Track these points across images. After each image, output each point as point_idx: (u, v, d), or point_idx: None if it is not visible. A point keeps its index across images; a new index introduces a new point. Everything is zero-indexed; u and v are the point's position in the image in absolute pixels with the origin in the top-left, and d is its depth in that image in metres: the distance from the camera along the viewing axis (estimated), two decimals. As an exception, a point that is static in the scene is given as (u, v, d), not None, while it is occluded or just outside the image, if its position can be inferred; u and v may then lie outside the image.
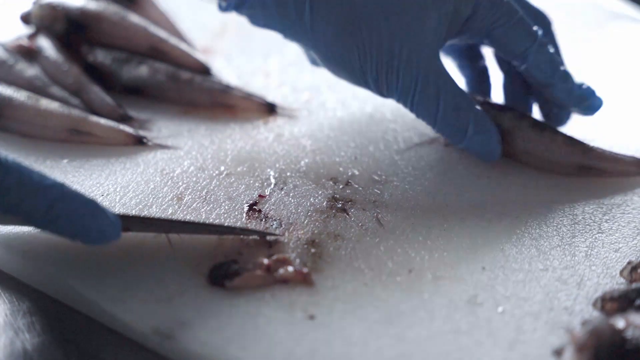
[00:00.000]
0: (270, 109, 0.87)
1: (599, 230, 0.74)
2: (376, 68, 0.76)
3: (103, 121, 0.82)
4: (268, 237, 0.71)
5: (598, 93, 0.80)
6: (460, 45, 0.85)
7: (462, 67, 0.87)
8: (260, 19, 0.79)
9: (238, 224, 0.73)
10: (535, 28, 0.78)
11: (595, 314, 0.66)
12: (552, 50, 0.79)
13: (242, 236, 0.71)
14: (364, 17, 0.75)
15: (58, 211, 0.63)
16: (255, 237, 0.71)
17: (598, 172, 0.80)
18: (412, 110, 0.77)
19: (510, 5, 0.77)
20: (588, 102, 0.80)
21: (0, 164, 0.62)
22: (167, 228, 0.70)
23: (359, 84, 0.79)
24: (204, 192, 0.76)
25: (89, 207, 0.64)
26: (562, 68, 0.79)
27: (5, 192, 0.62)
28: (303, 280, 0.68)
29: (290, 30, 0.78)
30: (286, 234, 0.72)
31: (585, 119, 0.83)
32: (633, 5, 1.14)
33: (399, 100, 0.78)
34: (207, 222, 0.73)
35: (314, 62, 0.84)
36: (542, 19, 0.82)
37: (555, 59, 0.79)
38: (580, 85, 0.80)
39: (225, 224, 0.73)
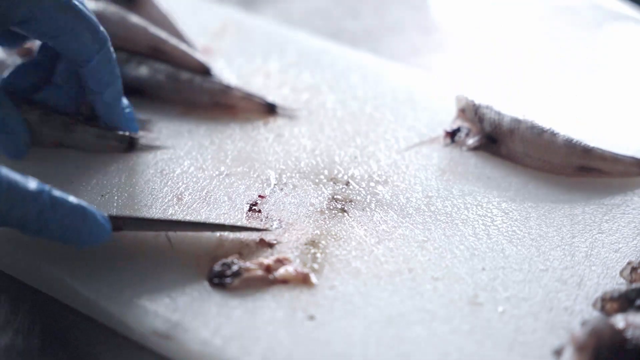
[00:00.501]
0: (270, 109, 0.87)
1: (599, 231, 0.74)
2: None
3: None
4: (268, 239, 0.71)
5: (136, 124, 0.81)
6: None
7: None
8: None
9: (238, 224, 0.73)
10: (102, 34, 0.76)
11: (595, 314, 0.66)
12: (114, 62, 0.78)
13: (239, 234, 0.71)
14: None
15: (48, 217, 0.63)
16: (255, 238, 0.71)
17: (598, 172, 0.80)
18: None
19: (77, 14, 0.74)
20: (124, 124, 0.80)
21: None
22: (161, 227, 0.70)
23: None
24: (204, 193, 0.76)
25: (78, 210, 0.65)
26: (115, 83, 0.78)
27: None
28: (303, 280, 0.68)
29: None
30: (286, 234, 0.72)
31: (586, 118, 0.83)
32: (633, 5, 1.14)
33: None
34: (202, 221, 0.73)
35: None
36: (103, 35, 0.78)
37: (114, 72, 0.78)
38: (124, 107, 0.80)
39: (223, 223, 0.73)
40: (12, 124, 0.76)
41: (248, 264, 0.68)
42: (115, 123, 0.80)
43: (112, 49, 0.77)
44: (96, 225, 0.65)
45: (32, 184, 0.63)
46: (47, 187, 0.64)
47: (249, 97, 0.88)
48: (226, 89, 0.88)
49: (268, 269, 0.68)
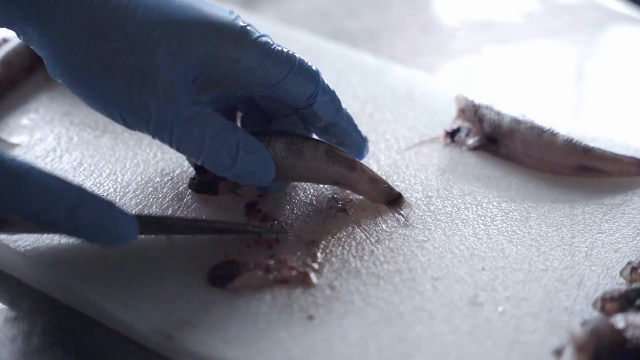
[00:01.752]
0: (270, 109, 0.87)
1: (599, 231, 0.74)
2: (125, 97, 0.67)
3: None
4: (267, 235, 0.71)
5: (368, 143, 0.77)
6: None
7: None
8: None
9: (252, 227, 0.73)
10: (315, 68, 0.72)
11: (595, 314, 0.66)
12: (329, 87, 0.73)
13: (246, 234, 0.71)
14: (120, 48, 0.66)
15: (79, 216, 0.63)
16: (255, 235, 0.71)
17: (598, 172, 0.80)
18: (171, 144, 0.68)
19: (289, 55, 0.70)
20: (359, 148, 0.76)
21: (23, 171, 0.62)
22: (180, 229, 0.71)
23: (109, 114, 0.69)
24: (204, 192, 0.76)
25: (107, 210, 0.64)
26: (343, 109, 0.74)
27: (27, 198, 0.62)
28: (303, 280, 0.68)
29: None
30: (286, 234, 0.72)
31: (586, 118, 0.83)
32: (633, 6, 1.14)
33: (154, 135, 0.68)
34: (217, 220, 0.72)
35: (53, 74, 0.70)
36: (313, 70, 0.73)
37: (337, 99, 0.74)
38: (357, 129, 0.76)
39: (235, 222, 0.72)
40: (254, 143, 0.70)
41: (248, 264, 0.68)
42: (357, 142, 0.76)
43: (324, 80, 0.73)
44: (125, 225, 0.65)
45: (64, 182, 0.63)
46: (77, 185, 0.64)
47: (249, 97, 0.87)
48: (226, 89, 0.87)
49: (268, 268, 0.68)
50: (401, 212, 0.75)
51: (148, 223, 0.70)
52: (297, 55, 0.71)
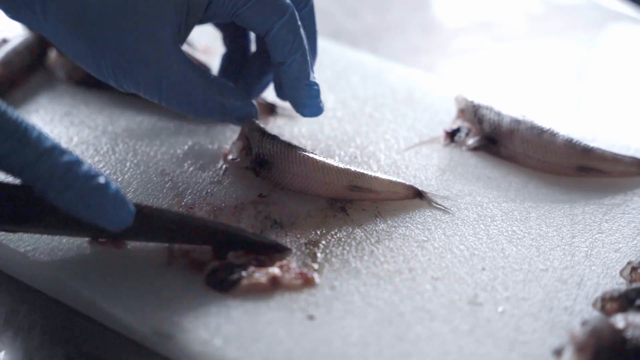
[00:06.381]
0: (270, 109, 0.87)
1: (599, 230, 0.74)
2: (112, 65, 0.71)
3: None
4: (267, 240, 0.71)
5: (321, 102, 0.77)
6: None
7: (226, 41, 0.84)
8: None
9: (241, 225, 0.72)
10: (287, 1, 0.74)
11: (595, 314, 0.66)
12: (299, 31, 0.75)
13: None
14: (96, 14, 0.70)
15: (47, 161, 0.60)
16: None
17: (598, 172, 0.80)
18: (162, 103, 0.74)
19: None
20: (308, 100, 0.76)
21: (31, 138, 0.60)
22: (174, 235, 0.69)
23: (102, 79, 0.73)
24: (204, 193, 0.76)
25: (104, 185, 0.63)
26: (299, 53, 0.75)
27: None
28: (304, 280, 0.68)
29: (28, 23, 0.72)
30: (286, 234, 0.72)
31: (586, 118, 0.83)
32: (633, 5, 1.14)
33: (145, 95, 0.73)
34: (219, 224, 0.71)
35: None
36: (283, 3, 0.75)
37: (297, 41, 0.75)
38: (311, 83, 0.76)
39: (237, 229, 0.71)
40: (235, 91, 0.76)
41: (251, 272, 0.67)
42: (299, 99, 0.77)
43: (297, 19, 0.75)
44: (120, 202, 0.64)
45: (41, 131, 0.61)
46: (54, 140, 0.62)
47: (249, 97, 0.87)
48: (226, 89, 0.87)
49: (274, 279, 0.67)
50: (437, 202, 0.76)
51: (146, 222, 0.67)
52: None
